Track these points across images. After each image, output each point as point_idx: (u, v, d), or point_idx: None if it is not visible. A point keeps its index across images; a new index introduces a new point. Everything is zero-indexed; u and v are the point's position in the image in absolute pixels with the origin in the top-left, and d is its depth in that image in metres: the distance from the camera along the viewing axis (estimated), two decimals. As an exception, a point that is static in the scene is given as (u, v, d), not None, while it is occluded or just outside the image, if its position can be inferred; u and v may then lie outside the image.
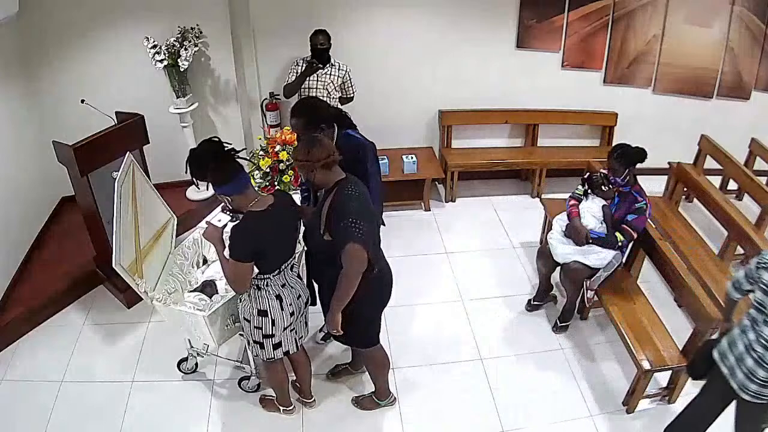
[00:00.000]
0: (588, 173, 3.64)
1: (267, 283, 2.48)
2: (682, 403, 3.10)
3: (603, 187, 3.33)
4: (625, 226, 3.27)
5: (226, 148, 2.32)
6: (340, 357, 3.34)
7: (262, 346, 2.62)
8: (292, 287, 2.56)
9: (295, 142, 3.62)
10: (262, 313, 2.52)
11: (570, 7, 4.72)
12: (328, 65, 4.10)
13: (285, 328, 2.59)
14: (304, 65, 4.05)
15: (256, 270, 2.42)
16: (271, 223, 2.35)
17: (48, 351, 3.41)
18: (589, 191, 3.42)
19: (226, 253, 2.38)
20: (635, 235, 3.29)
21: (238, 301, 2.62)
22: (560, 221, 3.49)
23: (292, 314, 2.58)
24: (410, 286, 3.80)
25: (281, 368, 2.82)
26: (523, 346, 3.49)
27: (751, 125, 4.96)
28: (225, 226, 2.49)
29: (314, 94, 4.04)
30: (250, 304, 2.52)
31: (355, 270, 2.33)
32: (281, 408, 2.99)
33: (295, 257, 2.60)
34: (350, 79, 4.21)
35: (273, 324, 2.54)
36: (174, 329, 3.13)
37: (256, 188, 2.89)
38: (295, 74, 4.09)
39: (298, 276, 2.66)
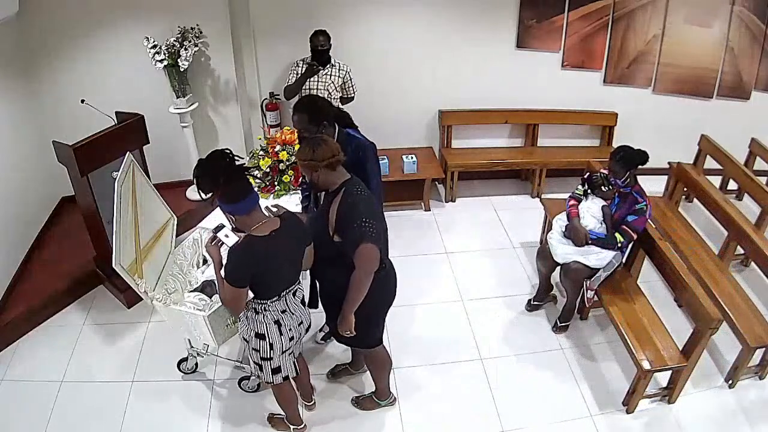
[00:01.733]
0: (588, 173, 3.64)
1: (265, 308, 2.35)
2: (682, 402, 3.12)
3: (603, 188, 3.33)
4: (624, 226, 3.26)
5: (238, 163, 2.16)
6: (340, 357, 3.34)
7: (261, 368, 2.49)
8: (292, 313, 2.43)
9: (296, 142, 3.62)
10: (260, 336, 2.40)
11: (570, 7, 4.72)
12: (328, 65, 4.10)
13: (283, 352, 2.46)
14: (304, 67, 4.06)
15: (251, 294, 2.29)
16: (271, 250, 2.20)
17: (48, 351, 3.40)
18: (589, 191, 3.42)
19: (222, 272, 2.25)
20: (635, 236, 3.29)
21: (238, 320, 2.54)
22: (560, 221, 3.49)
23: (291, 339, 2.46)
24: (410, 286, 3.78)
25: (288, 388, 2.71)
26: (523, 346, 3.49)
27: (751, 125, 4.95)
28: (223, 244, 2.33)
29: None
30: (248, 326, 2.42)
31: (368, 270, 2.33)
32: (291, 427, 2.88)
33: (300, 283, 2.47)
34: (351, 79, 4.21)
35: (271, 347, 2.42)
36: (174, 329, 3.12)
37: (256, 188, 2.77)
38: (295, 76, 4.09)
39: (302, 301, 2.52)
